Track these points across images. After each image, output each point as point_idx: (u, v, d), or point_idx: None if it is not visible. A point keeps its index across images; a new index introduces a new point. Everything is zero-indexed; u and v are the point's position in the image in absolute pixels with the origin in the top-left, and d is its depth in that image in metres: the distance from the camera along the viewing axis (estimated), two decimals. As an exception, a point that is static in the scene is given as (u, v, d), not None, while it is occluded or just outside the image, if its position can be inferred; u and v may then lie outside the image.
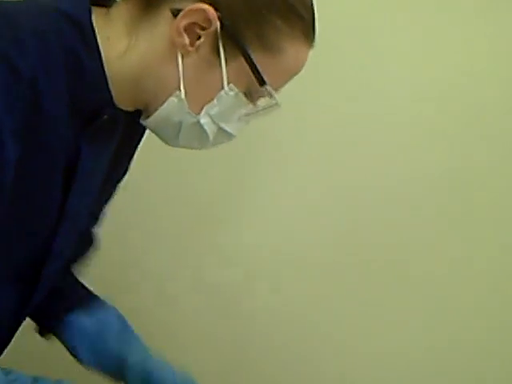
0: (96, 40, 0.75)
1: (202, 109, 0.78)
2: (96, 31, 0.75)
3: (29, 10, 0.73)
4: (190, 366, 1.50)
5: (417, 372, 1.42)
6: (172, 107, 0.78)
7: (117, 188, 0.99)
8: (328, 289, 1.44)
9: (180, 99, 0.77)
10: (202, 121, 0.79)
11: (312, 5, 0.81)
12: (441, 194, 1.37)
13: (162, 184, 1.49)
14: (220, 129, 0.81)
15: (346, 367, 1.45)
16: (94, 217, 1.00)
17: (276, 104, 0.81)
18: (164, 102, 0.78)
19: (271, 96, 0.80)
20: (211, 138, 0.81)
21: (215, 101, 0.78)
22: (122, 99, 0.79)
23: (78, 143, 0.77)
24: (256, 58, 0.76)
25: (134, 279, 1.52)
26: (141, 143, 0.97)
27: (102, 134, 0.80)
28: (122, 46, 0.76)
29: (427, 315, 1.40)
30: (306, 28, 0.80)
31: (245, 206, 1.47)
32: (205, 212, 1.48)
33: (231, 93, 0.77)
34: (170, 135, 0.82)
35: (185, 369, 1.01)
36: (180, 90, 0.76)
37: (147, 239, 1.52)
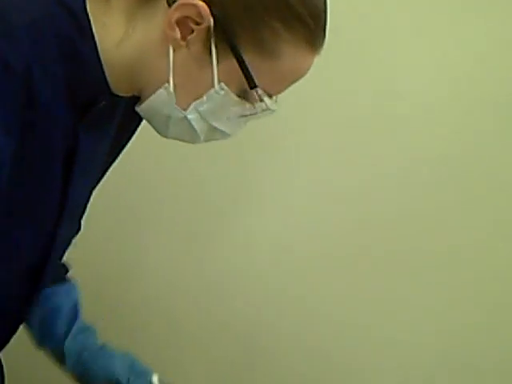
0: (90, 26, 0.74)
1: (190, 104, 0.77)
2: (91, 17, 0.74)
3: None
4: (191, 361, 1.52)
5: (423, 365, 1.43)
6: (161, 99, 0.77)
7: (107, 171, 0.99)
8: (335, 285, 1.44)
9: (169, 92, 0.76)
10: (190, 117, 0.78)
11: (321, 10, 0.76)
12: (444, 189, 1.37)
13: (167, 182, 1.49)
14: (211, 126, 0.80)
15: (354, 361, 1.46)
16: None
17: (268, 109, 0.78)
18: (154, 92, 0.77)
19: (262, 100, 0.77)
20: (201, 134, 0.80)
21: (205, 98, 0.76)
22: (119, 85, 0.78)
23: (77, 131, 0.77)
24: (250, 59, 0.74)
25: (136, 275, 1.53)
26: (139, 128, 0.96)
27: (100, 120, 0.80)
28: (119, 34, 0.75)
29: (435, 307, 1.40)
30: (311, 35, 0.76)
31: (250, 204, 1.48)
32: (209, 209, 1.49)
33: (222, 92, 0.76)
34: (160, 126, 0.81)
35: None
36: (169, 83, 0.75)
37: (150, 234, 1.53)
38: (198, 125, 0.79)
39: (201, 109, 0.77)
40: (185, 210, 1.50)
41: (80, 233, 1.00)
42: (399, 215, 1.39)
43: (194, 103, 0.77)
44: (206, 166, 1.46)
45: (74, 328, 1.01)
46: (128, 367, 0.99)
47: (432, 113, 1.36)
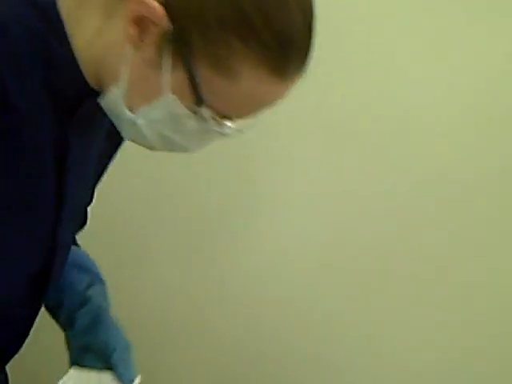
0: (62, 23, 0.70)
1: (140, 108, 0.72)
2: (65, 13, 0.70)
3: None
4: (190, 365, 1.52)
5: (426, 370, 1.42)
6: (112, 97, 0.73)
7: (106, 169, 0.96)
8: (338, 289, 1.44)
9: (119, 91, 0.71)
10: (138, 121, 0.73)
11: (293, 36, 0.67)
12: (442, 205, 1.36)
13: (169, 185, 1.49)
14: (163, 135, 0.74)
15: (357, 368, 1.46)
16: (89, 198, 0.98)
17: (218, 131, 0.72)
18: (109, 89, 0.73)
19: (206, 121, 0.71)
20: (153, 141, 0.75)
21: (154, 105, 0.71)
22: (93, 82, 0.74)
23: (66, 132, 0.75)
24: (204, 75, 0.67)
25: (136, 277, 1.53)
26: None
27: (90, 119, 0.77)
28: (94, 29, 0.71)
29: (437, 314, 1.39)
30: (275, 61, 0.67)
31: (253, 206, 1.47)
32: (213, 213, 1.48)
33: (171, 102, 0.70)
34: (117, 125, 0.77)
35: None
36: (121, 81, 0.71)
37: (151, 238, 1.53)
38: (147, 131, 0.74)
39: (149, 115, 0.72)
40: (191, 214, 1.50)
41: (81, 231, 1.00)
42: (396, 220, 1.39)
43: (142, 108, 0.72)
44: (206, 171, 1.45)
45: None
46: (124, 349, 0.94)
47: (429, 125, 1.35)
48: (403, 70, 1.35)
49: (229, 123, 0.73)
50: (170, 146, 0.76)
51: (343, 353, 1.45)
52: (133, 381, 0.89)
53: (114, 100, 0.72)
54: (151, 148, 0.77)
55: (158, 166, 1.44)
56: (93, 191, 0.98)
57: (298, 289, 1.45)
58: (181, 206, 1.49)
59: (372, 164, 1.38)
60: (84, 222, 1.00)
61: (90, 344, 0.91)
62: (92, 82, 0.74)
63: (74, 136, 0.76)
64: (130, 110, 0.72)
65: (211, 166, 1.44)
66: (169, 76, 0.68)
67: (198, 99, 0.69)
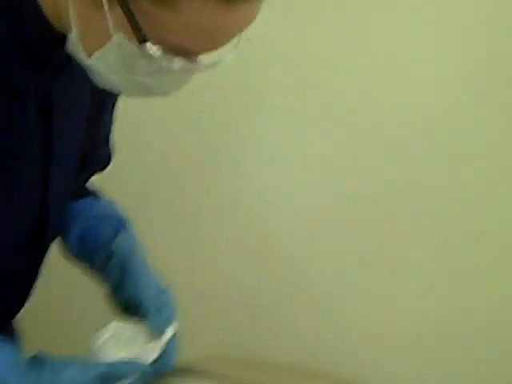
0: None
1: (95, 52, 0.70)
2: None
3: None
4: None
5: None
6: (71, 42, 0.71)
7: (114, 111, 0.96)
8: (331, 239, 1.44)
9: (73, 36, 0.70)
10: (96, 65, 0.71)
11: None
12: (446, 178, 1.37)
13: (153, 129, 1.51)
14: (127, 78, 0.71)
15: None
16: (94, 146, 0.98)
17: (184, 68, 0.68)
18: (68, 35, 0.72)
19: (151, 57, 0.66)
20: (122, 87, 0.73)
21: (107, 47, 0.68)
22: (60, 28, 0.73)
23: (47, 83, 0.76)
24: (142, 9, 0.63)
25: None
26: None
27: (68, 65, 0.76)
28: None
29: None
30: None
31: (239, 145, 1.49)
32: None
33: (122, 43, 0.67)
34: (87, 71, 0.74)
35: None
36: (73, 26, 0.68)
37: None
38: (111, 76, 0.72)
39: (105, 59, 0.70)
40: (169, 159, 1.52)
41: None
42: (394, 167, 1.39)
43: (98, 52, 0.70)
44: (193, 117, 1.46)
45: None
46: (155, 297, 0.91)
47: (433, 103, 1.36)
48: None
49: (193, 59, 0.70)
50: (143, 90, 0.73)
51: (337, 300, 1.46)
52: (163, 332, 0.86)
53: (72, 46, 0.71)
54: (127, 95, 0.76)
55: (143, 112, 1.41)
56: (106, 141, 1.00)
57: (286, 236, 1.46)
58: (163, 147, 1.50)
59: (372, 109, 1.38)
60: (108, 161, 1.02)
61: (124, 298, 0.91)
62: (60, 29, 0.73)
63: (56, 84, 0.77)
64: (89, 55, 0.71)
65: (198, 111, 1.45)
66: (109, 14, 0.65)
67: (140, 35, 0.65)
